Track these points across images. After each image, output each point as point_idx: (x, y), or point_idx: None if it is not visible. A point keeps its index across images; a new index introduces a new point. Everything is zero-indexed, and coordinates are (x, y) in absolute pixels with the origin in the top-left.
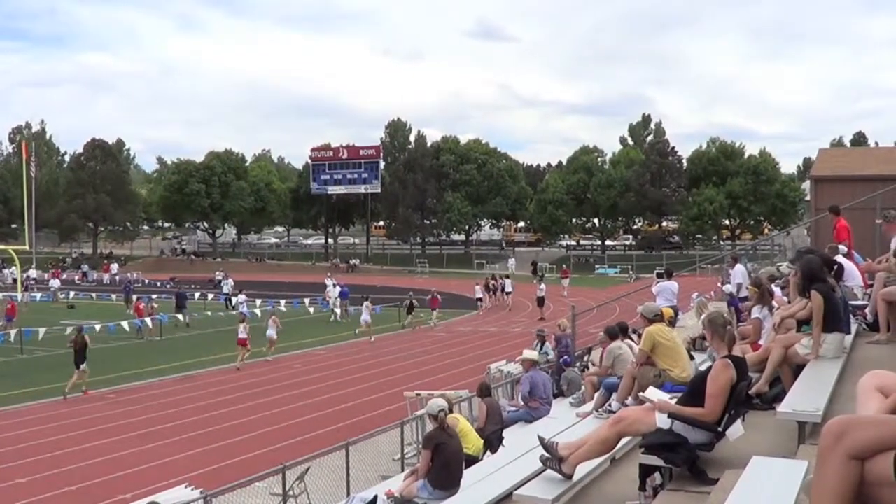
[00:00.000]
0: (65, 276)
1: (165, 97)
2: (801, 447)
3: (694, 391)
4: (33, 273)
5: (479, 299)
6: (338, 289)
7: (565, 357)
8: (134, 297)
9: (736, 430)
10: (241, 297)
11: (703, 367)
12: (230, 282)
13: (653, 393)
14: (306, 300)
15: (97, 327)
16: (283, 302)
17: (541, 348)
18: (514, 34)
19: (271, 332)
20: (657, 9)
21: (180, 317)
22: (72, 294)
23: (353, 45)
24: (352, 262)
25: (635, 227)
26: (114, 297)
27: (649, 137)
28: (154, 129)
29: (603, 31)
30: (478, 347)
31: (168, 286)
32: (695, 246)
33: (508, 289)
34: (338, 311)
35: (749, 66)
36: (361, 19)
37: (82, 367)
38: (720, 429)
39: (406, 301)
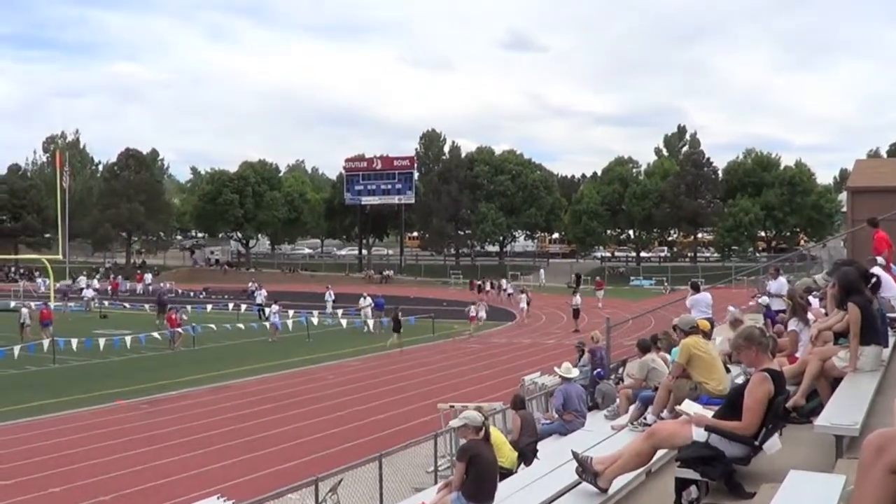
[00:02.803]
0: (98, 286)
1: (197, 107)
2: (839, 461)
3: (731, 404)
4: (96, 283)
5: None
6: (368, 299)
7: (599, 370)
8: (167, 308)
9: (773, 444)
10: (275, 308)
11: (739, 381)
12: (263, 292)
13: (689, 406)
14: (339, 311)
15: (128, 339)
16: (315, 313)
17: (580, 359)
18: (545, 44)
19: (482, 314)
20: (687, 19)
21: (158, 321)
22: (105, 303)
23: (383, 55)
24: (385, 272)
25: (670, 238)
26: (147, 306)
27: (684, 148)
28: (186, 138)
29: (633, 41)
30: (512, 359)
31: (201, 296)
32: (730, 257)
33: (510, 290)
34: (370, 322)
35: (782, 76)
36: (390, 29)
37: (400, 331)
38: (757, 442)
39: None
